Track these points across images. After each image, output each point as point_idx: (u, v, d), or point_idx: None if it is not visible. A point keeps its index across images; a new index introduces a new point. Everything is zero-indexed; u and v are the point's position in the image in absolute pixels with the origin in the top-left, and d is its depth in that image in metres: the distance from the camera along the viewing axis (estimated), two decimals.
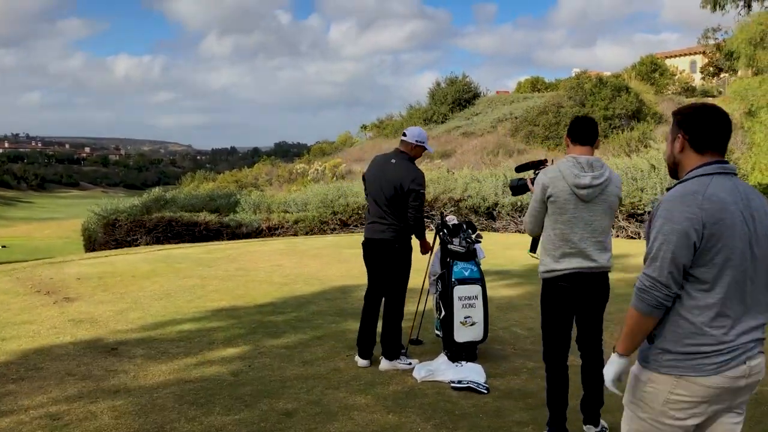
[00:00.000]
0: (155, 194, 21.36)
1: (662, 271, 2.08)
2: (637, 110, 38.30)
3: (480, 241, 4.97)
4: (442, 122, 46.71)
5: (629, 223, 14.79)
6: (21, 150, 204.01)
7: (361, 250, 4.97)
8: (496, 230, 16.24)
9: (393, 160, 4.84)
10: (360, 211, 17.84)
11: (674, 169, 2.30)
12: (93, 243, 20.54)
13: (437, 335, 5.14)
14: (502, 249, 11.54)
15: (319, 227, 18.21)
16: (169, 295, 7.50)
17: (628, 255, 10.56)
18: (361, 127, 60.34)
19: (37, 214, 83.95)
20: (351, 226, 17.88)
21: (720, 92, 45.02)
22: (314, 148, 57.25)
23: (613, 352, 2.25)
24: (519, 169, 3.59)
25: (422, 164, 33.98)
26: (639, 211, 14.46)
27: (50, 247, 30.69)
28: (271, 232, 18.50)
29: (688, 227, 2.07)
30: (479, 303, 4.77)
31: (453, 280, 4.78)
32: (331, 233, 17.57)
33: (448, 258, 4.90)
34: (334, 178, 35.24)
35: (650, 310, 2.10)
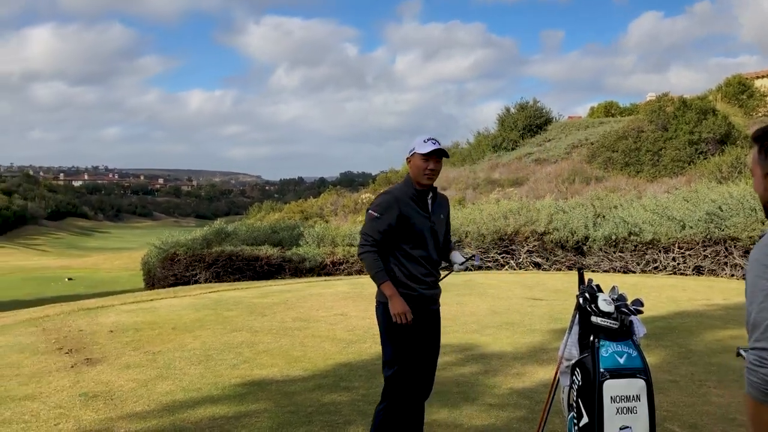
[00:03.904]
0: (216, 227, 20.41)
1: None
2: (725, 134, 35.58)
3: (641, 311, 3.36)
4: (513, 149, 44.90)
5: (746, 261, 12.73)
6: (99, 182, 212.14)
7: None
8: (586, 267, 14.37)
9: None
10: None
11: None
12: (152, 278, 19.73)
13: None
14: None
15: None
16: (210, 358, 6.13)
17: None
18: None
19: (111, 245, 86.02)
20: None
21: None
22: (380, 177, 56.21)
23: None
24: None
25: (493, 194, 32.34)
26: None
27: (115, 280, 30.33)
28: (336, 267, 17.17)
29: None
30: (642, 406, 3.15)
31: (601, 370, 3.18)
32: None
33: (591, 336, 3.31)
34: None
35: (764, 396, 1.61)
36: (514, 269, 14.83)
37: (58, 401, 4.88)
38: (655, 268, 13.79)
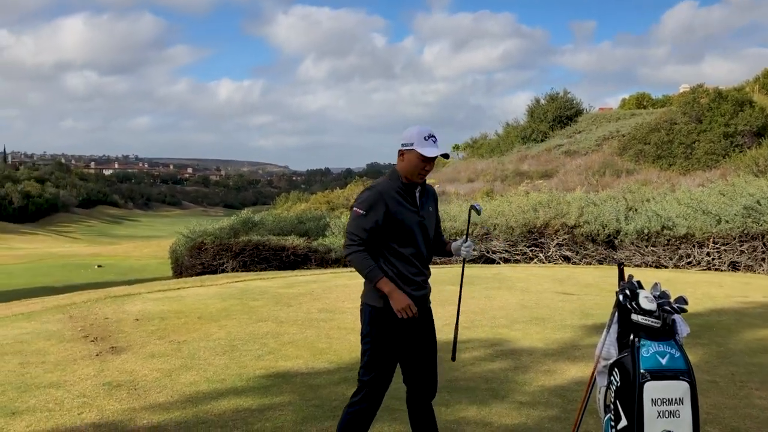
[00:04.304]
0: (243, 216, 20.48)
1: None
2: (763, 126, 34.70)
3: (685, 310, 3.17)
4: (542, 140, 44.40)
5: None
6: (129, 171, 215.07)
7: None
8: (616, 262, 14.07)
9: None
10: (458, 238, 16.12)
11: None
12: (180, 266, 19.86)
13: None
14: None
15: None
16: (235, 348, 6.06)
17: None
18: (453, 147, 58.72)
19: (140, 233, 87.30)
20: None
21: None
22: None
23: None
24: None
25: (521, 185, 31.95)
26: None
27: (144, 268, 30.69)
28: None
29: None
30: (686, 411, 2.97)
31: (641, 371, 3.01)
32: None
33: (631, 334, 3.14)
34: None
35: None
36: (543, 262, 14.60)
37: (82, 390, 4.84)
38: (689, 263, 13.46)
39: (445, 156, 3.43)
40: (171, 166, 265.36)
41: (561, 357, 5.72)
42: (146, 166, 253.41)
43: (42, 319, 7.39)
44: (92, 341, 6.30)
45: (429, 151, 3.27)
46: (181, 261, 19.61)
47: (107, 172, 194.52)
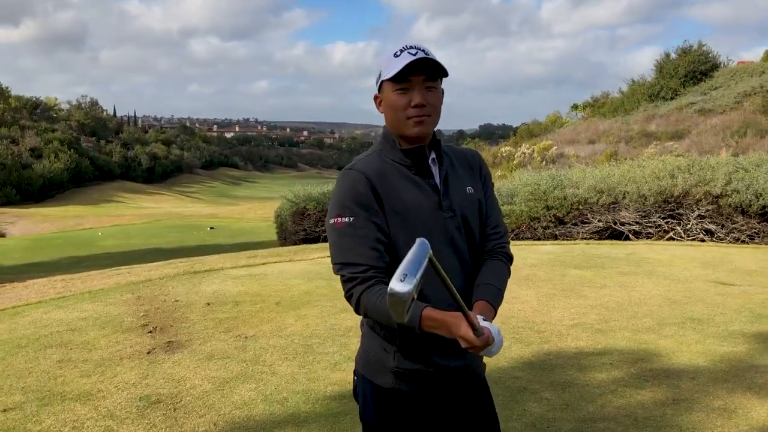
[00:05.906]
0: None
1: None
2: None
3: None
4: (672, 98, 40.67)
5: None
6: (249, 134, 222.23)
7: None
8: None
9: None
10: (580, 207, 14.35)
11: None
12: (285, 232, 19.38)
13: None
14: None
15: (528, 224, 15.04)
16: (309, 350, 4.96)
17: None
18: (572, 107, 55.40)
19: (258, 193, 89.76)
20: (568, 225, 14.49)
21: None
22: (521, 129, 53.45)
23: None
24: None
25: (649, 147, 29.15)
26: None
27: (253, 230, 30.77)
28: None
29: None
30: None
31: None
32: (544, 235, 14.32)
33: None
34: (544, 163, 31.53)
35: None
36: (682, 237, 12.64)
37: (112, 406, 3.90)
38: None
39: (439, 70, 1.91)
40: (288, 129, 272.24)
41: (737, 384, 4.19)
42: (265, 129, 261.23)
43: (107, 299, 6.65)
44: (150, 332, 5.42)
45: (397, 64, 1.84)
46: (285, 226, 19.10)
47: (228, 135, 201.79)
